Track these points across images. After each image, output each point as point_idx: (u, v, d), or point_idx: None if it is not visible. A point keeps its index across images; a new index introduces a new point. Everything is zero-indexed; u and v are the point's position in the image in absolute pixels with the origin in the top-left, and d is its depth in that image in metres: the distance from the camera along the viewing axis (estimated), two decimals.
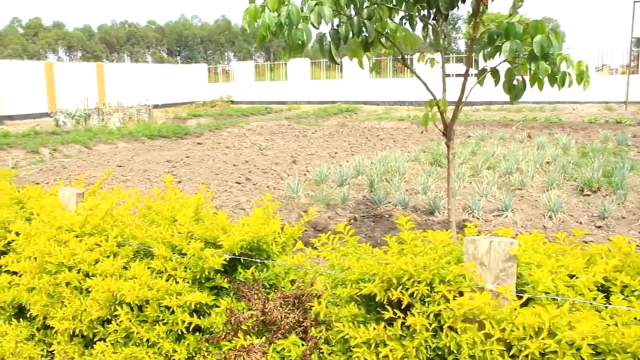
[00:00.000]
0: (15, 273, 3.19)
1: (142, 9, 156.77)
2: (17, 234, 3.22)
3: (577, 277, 1.98)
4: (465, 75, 4.82)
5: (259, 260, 2.61)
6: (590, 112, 21.13)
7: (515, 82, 4.49)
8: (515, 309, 1.87)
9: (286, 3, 3.99)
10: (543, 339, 1.77)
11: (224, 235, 2.57)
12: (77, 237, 2.98)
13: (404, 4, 4.78)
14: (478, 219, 6.76)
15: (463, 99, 4.79)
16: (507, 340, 1.85)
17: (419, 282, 1.98)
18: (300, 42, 3.94)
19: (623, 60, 26.02)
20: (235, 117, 22.75)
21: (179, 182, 9.28)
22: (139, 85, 28.69)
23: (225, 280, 2.59)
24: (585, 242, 2.16)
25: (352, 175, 8.72)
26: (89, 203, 3.19)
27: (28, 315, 3.19)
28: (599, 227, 6.40)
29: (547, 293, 1.91)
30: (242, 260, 2.62)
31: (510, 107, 21.98)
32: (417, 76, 4.88)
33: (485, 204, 7.18)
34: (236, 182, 9.04)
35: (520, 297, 1.93)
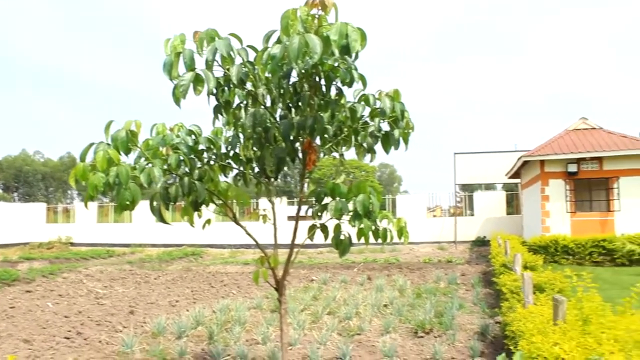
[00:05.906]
0: None
1: None
2: None
3: None
4: (294, 235, 5.02)
5: None
6: (425, 252, 22.69)
7: (342, 237, 4.74)
8: None
9: (116, 163, 3.99)
10: None
11: None
12: None
13: (239, 162, 5.02)
14: None
15: (292, 259, 4.96)
16: None
17: None
18: (127, 202, 3.92)
19: (450, 201, 28.90)
20: (73, 261, 21.44)
21: None
22: None
23: None
24: None
25: (191, 327, 8.42)
26: None
27: None
28: None
29: None
30: None
31: (353, 249, 22.89)
32: (248, 234, 5.01)
33: (324, 352, 7.22)
34: (65, 337, 8.32)
35: None
